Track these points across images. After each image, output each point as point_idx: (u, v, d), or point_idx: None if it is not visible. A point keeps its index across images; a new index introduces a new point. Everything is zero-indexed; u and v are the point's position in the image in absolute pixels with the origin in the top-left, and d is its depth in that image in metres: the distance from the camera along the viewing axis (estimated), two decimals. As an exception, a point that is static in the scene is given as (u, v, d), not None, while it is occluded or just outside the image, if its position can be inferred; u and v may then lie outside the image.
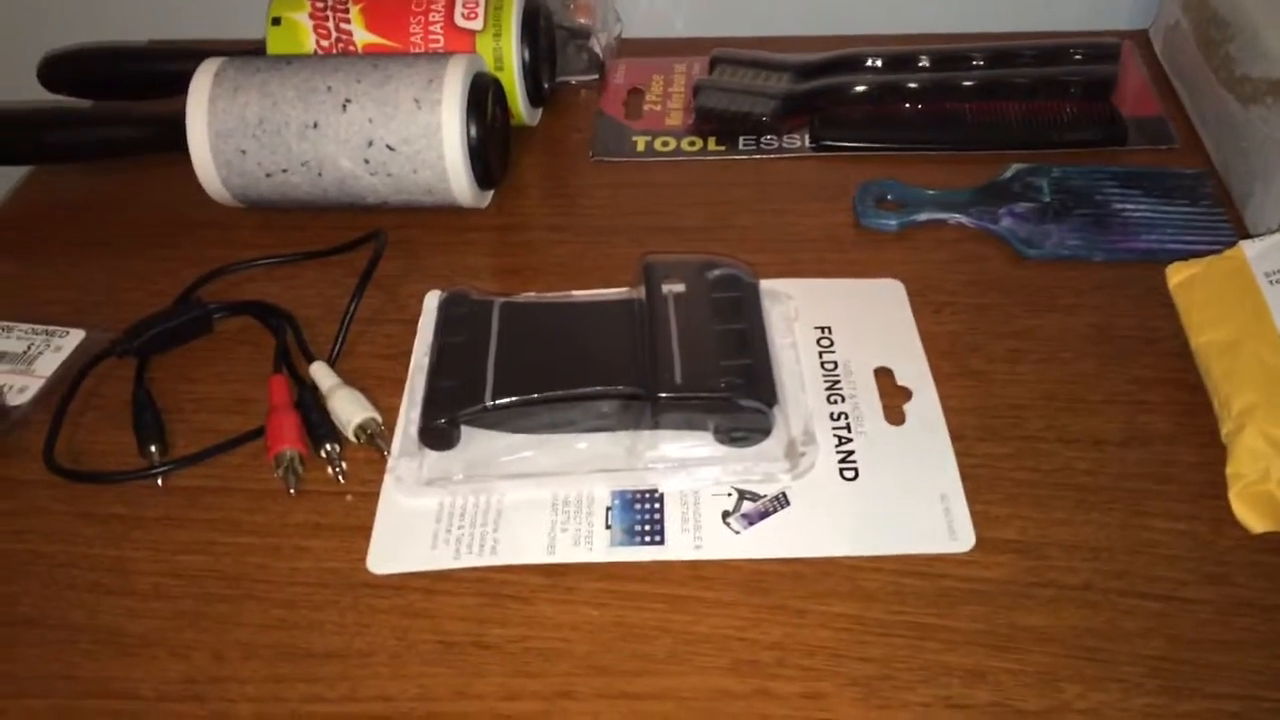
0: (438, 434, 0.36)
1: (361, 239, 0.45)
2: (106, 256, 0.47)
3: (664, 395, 0.35)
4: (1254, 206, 0.43)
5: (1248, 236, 0.43)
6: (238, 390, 0.41)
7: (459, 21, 0.49)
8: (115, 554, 0.35)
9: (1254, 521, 0.33)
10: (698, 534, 0.34)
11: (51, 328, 0.42)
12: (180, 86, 0.51)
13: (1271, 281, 0.36)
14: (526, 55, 0.50)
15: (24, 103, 0.51)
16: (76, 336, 0.42)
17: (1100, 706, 0.29)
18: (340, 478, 0.37)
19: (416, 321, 0.43)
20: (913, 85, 0.52)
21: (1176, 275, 0.39)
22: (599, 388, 0.36)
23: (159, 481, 0.37)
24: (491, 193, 0.49)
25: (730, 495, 0.35)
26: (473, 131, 0.45)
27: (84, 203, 0.51)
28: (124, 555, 0.35)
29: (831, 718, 0.29)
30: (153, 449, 0.38)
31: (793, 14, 0.61)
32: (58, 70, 0.54)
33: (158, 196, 0.51)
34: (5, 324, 0.43)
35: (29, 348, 0.42)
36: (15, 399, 0.40)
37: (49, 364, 0.41)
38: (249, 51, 0.49)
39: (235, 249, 0.47)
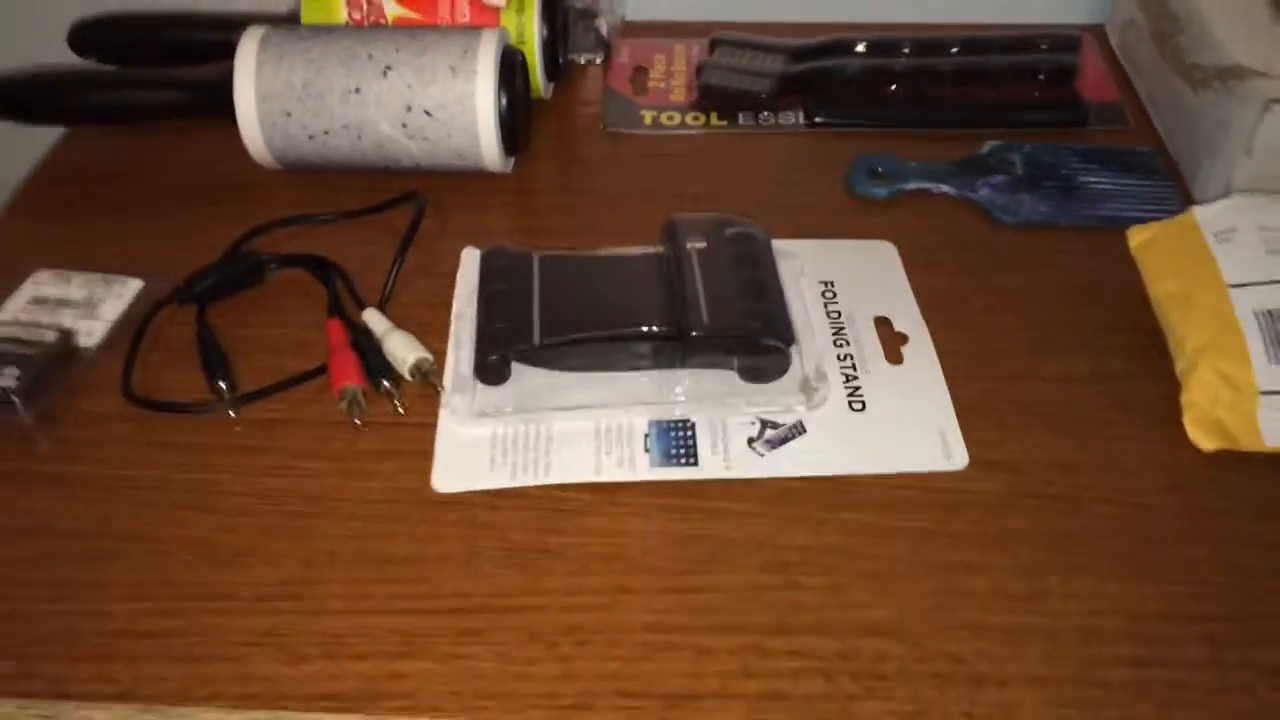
0: (492, 369, 0.40)
1: (400, 198, 0.49)
2: (149, 215, 0.50)
3: (695, 334, 0.40)
4: (1201, 179, 0.49)
5: (1192, 205, 0.48)
6: (293, 334, 0.44)
7: (484, -1, 0.53)
8: (199, 477, 0.38)
9: (1205, 441, 0.38)
10: (727, 456, 0.39)
11: (110, 275, 0.45)
12: (207, 55, 0.54)
13: (1219, 240, 0.41)
14: (545, 32, 0.54)
15: (61, 66, 0.54)
16: (135, 285, 0.45)
17: (1077, 592, 0.34)
18: (400, 408, 0.40)
19: (452, 274, 0.46)
20: (897, 69, 0.57)
21: (1137, 236, 0.44)
22: (636, 328, 0.40)
23: (232, 413, 0.40)
24: (514, 159, 0.53)
25: (754, 424, 0.40)
26: (503, 100, 0.49)
27: (119, 165, 0.54)
28: (208, 479, 0.38)
29: (850, 602, 0.34)
30: (221, 384, 0.41)
31: (781, 2, 0.66)
32: (89, 35, 0.57)
33: (192, 159, 0.54)
34: (64, 272, 0.45)
35: (90, 294, 0.45)
36: (85, 341, 0.42)
37: (113, 310, 0.44)
38: (282, 20, 0.52)
39: (274, 208, 0.50)
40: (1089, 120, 0.55)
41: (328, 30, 0.49)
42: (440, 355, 0.43)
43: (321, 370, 0.42)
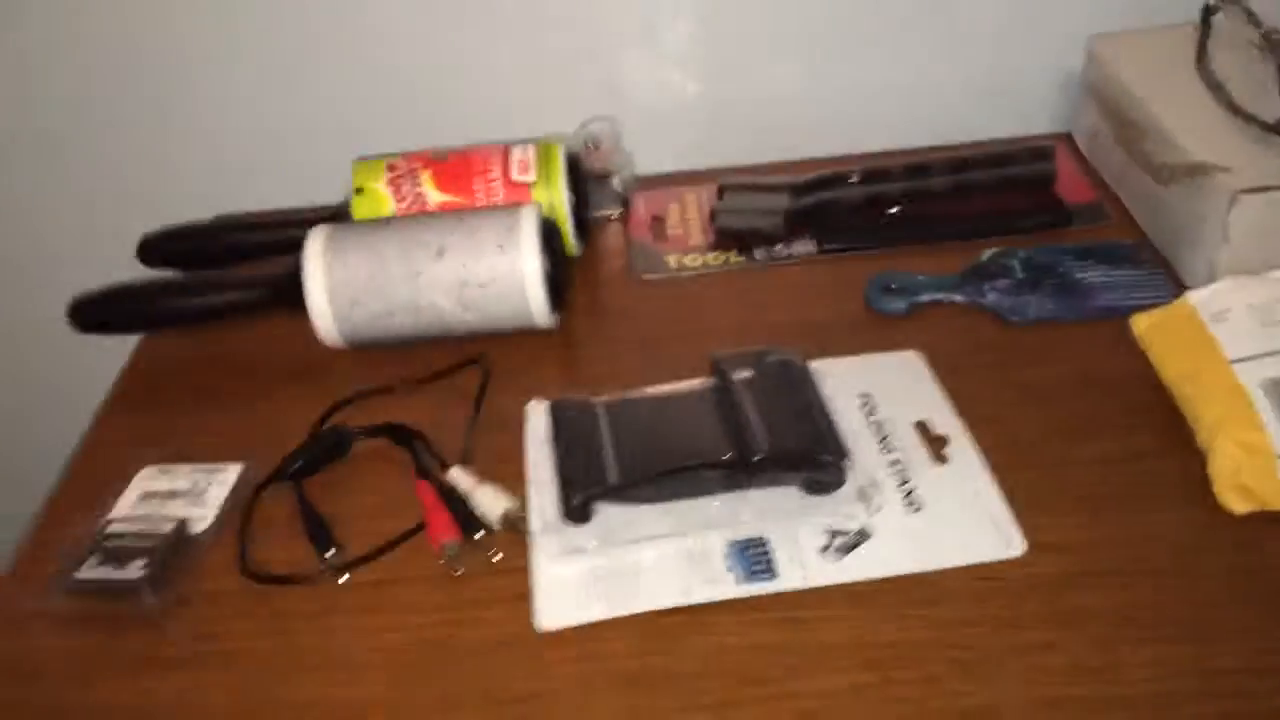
0: (578, 510, 0.44)
1: (464, 362, 0.53)
2: (235, 402, 0.55)
3: (757, 458, 0.43)
4: (1186, 265, 0.54)
5: (1184, 288, 0.53)
6: (384, 499, 0.48)
7: (515, 177, 0.59)
8: (321, 642, 0.41)
9: (1237, 505, 0.42)
10: (803, 566, 0.42)
11: (211, 465, 0.49)
12: (267, 253, 0.59)
13: (1215, 321, 0.46)
14: (572, 198, 0.60)
15: (136, 279, 0.59)
16: (235, 470, 0.49)
17: (1148, 659, 0.37)
18: (497, 556, 0.44)
19: (516, 428, 0.50)
20: (892, 193, 0.62)
21: (1140, 324, 0.49)
22: (703, 459, 0.44)
23: (342, 580, 0.44)
24: (556, 315, 0.58)
25: (822, 534, 0.43)
26: (546, 265, 0.54)
27: (196, 361, 0.58)
28: (329, 643, 0.41)
29: (947, 690, 0.37)
30: (329, 554, 0.44)
31: (774, 144, 0.72)
32: (156, 247, 0.62)
33: (261, 348, 0.58)
34: (168, 466, 0.49)
35: (195, 484, 0.48)
36: (198, 527, 0.46)
37: (218, 494, 0.48)
38: (331, 218, 0.58)
39: (346, 383, 0.54)
40: (1072, 220, 0.61)
41: (384, 223, 0.55)
42: (522, 503, 0.46)
43: (418, 530, 0.45)
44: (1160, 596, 0.39)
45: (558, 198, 0.59)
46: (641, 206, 0.67)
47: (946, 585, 0.41)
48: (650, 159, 0.71)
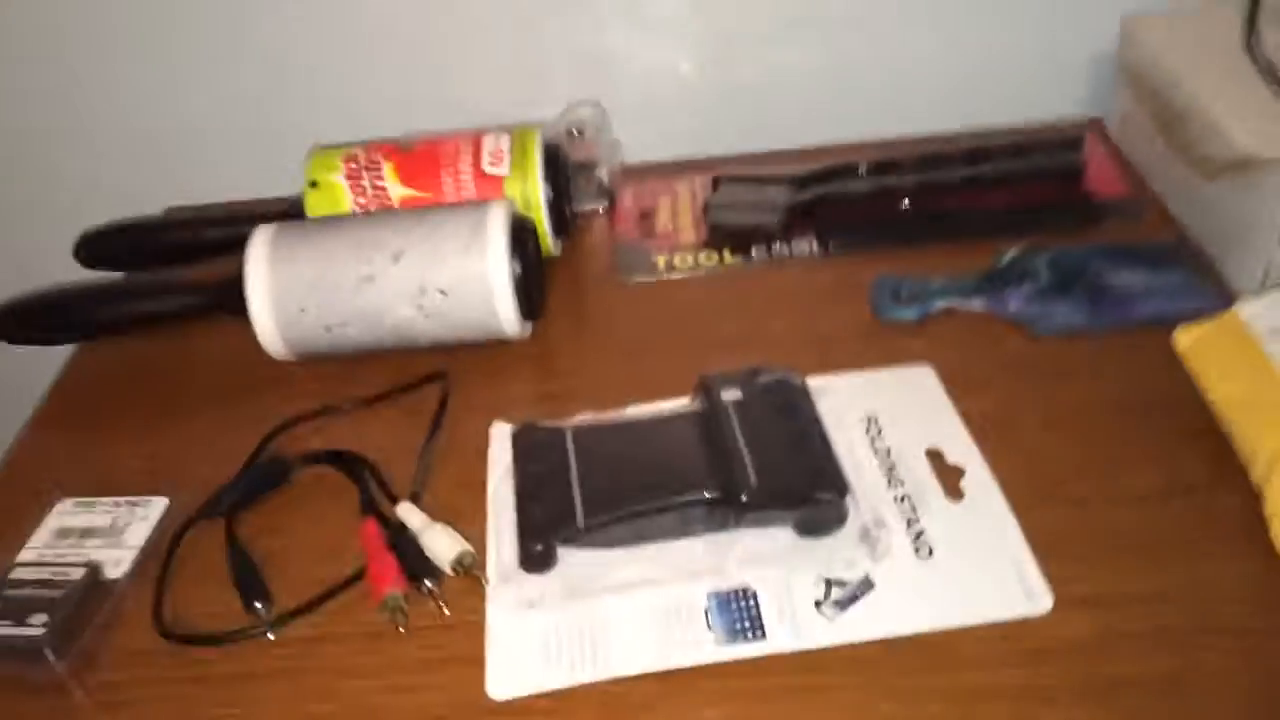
0: (538, 559, 0.38)
1: (424, 379, 0.48)
2: (169, 421, 0.49)
3: (744, 498, 0.38)
4: (1233, 268, 0.48)
5: (1229, 294, 0.47)
6: (326, 537, 0.42)
7: (486, 169, 0.53)
8: (243, 712, 0.36)
9: (1299, 554, 0.36)
10: (795, 625, 0.36)
11: (134, 498, 0.44)
12: (218, 251, 0.54)
13: (1272, 337, 0.40)
14: (550, 192, 0.54)
15: (70, 284, 0.53)
16: (160, 504, 0.44)
17: (1200, 742, 0.32)
18: (444, 610, 0.38)
19: (481, 452, 0.45)
20: (903, 186, 0.56)
21: (1184, 340, 0.43)
22: (682, 497, 0.38)
23: (270, 636, 0.38)
24: (530, 324, 0.52)
25: (818, 584, 0.38)
26: (516, 269, 0.48)
27: (135, 372, 0.53)
28: (250, 713, 0.36)
29: (960, 783, 0.31)
30: (258, 605, 0.39)
31: (776, 130, 0.66)
32: (95, 247, 0.57)
33: (207, 359, 0.53)
34: (86, 500, 0.44)
35: (115, 520, 0.43)
36: (113, 572, 0.41)
37: (139, 534, 0.42)
38: (285, 214, 0.52)
39: (296, 400, 0.49)
40: (1104, 217, 0.55)
41: (336, 222, 0.49)
42: (480, 541, 0.41)
43: (360, 577, 0.40)
44: (1211, 663, 0.34)
45: (534, 192, 0.53)
46: (629, 200, 0.62)
47: (961, 647, 0.35)
48: (640, 147, 0.65)
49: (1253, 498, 0.38)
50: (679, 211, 0.60)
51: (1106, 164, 0.59)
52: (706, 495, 0.38)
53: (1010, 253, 0.52)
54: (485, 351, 0.51)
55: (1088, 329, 0.48)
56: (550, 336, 0.52)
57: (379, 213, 0.50)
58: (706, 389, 0.43)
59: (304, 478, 0.45)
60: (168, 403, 0.51)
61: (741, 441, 0.40)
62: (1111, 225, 0.54)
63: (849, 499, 0.39)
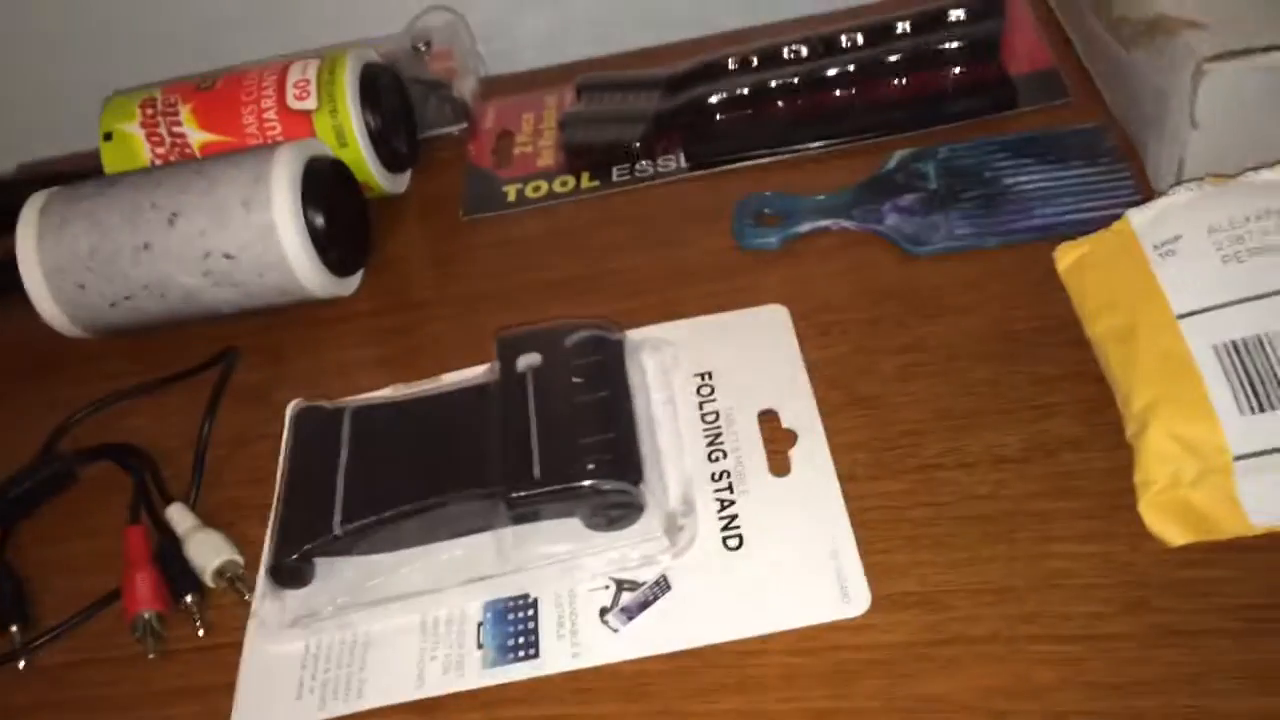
0: (288, 572, 0.33)
1: (212, 360, 0.43)
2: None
3: (515, 495, 0.32)
4: (1152, 159, 0.40)
5: (1150, 193, 0.39)
6: (104, 545, 0.38)
7: (291, 104, 0.46)
8: (-25, 758, 0.33)
9: (1171, 533, 0.30)
10: (574, 640, 0.31)
11: (-92, 508, 0.40)
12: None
13: (1161, 255, 0.33)
14: (373, 123, 0.48)
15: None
16: (-65, 513, 0.40)
17: (1015, 782, 0.26)
18: (201, 631, 0.34)
19: (278, 438, 0.40)
20: (782, 82, 0.48)
21: (1065, 258, 0.35)
22: (448, 495, 0.33)
23: (20, 664, 0.35)
24: (357, 277, 0.47)
25: (608, 588, 0.32)
26: (316, 222, 0.43)
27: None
28: (-16, 758, 0.33)
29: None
30: (13, 629, 0.36)
31: (664, 22, 0.58)
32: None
33: (1, 340, 0.48)
34: None
35: (-115, 535, 0.40)
36: None
37: (-94, 550, 0.39)
38: (80, 174, 0.47)
39: (102, 381, 0.44)
40: (1018, 99, 0.46)
41: (111, 183, 0.44)
42: (257, 547, 0.36)
43: (118, 594, 0.36)
44: (1051, 678, 0.28)
45: (347, 126, 0.46)
46: (491, 119, 0.55)
47: (752, 664, 0.30)
48: (507, 55, 0.58)
49: (1129, 459, 0.31)
50: (541, 130, 0.53)
51: (1033, 32, 0.50)
52: (473, 491, 0.33)
53: (898, 155, 0.45)
54: (310, 313, 0.46)
55: (972, 246, 0.40)
56: (384, 289, 0.47)
57: (159, 169, 0.45)
58: (502, 354, 0.37)
59: (95, 473, 0.41)
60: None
61: (533, 421, 0.35)
62: (1029, 110, 0.46)
63: (650, 485, 0.33)
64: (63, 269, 0.43)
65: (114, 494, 0.40)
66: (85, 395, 0.44)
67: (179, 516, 0.37)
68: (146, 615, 0.34)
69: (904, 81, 0.48)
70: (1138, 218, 0.34)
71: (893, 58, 0.48)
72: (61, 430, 0.42)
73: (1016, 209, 0.41)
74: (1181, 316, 0.31)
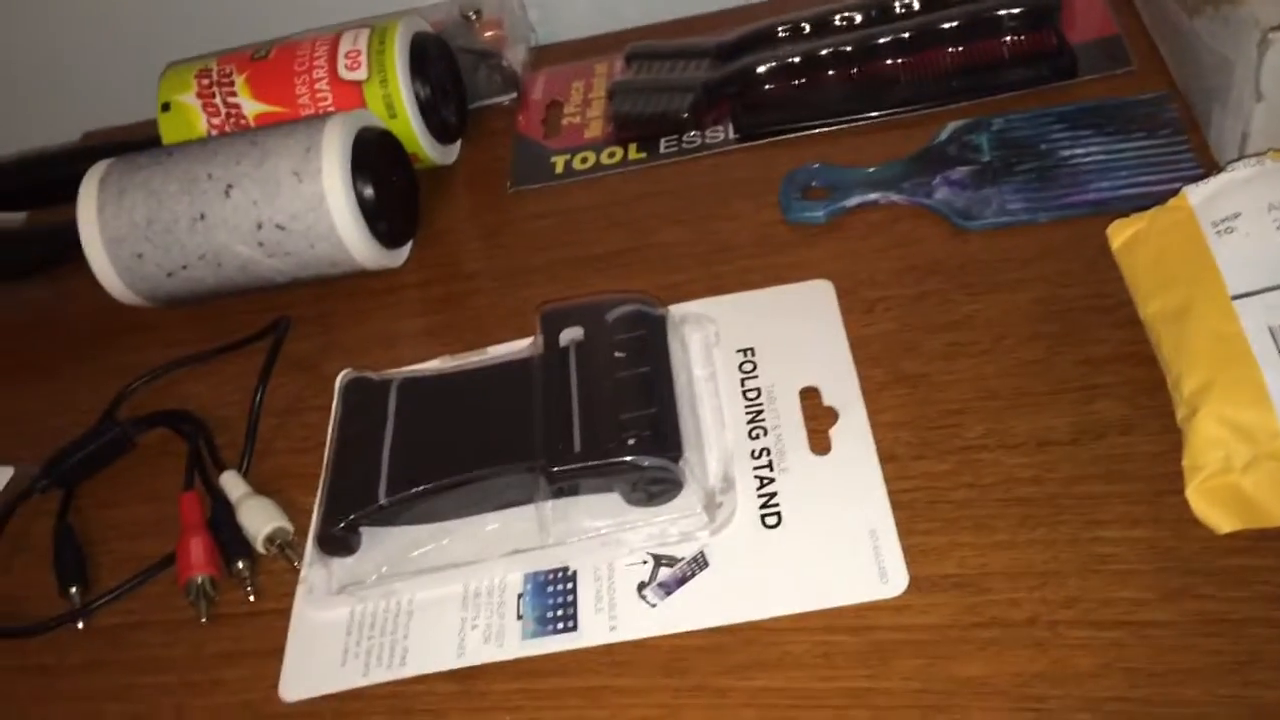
0: (336, 541, 0.34)
1: (264, 330, 0.44)
2: (26, 380, 0.47)
3: (555, 469, 0.33)
4: (1214, 132, 0.39)
5: (1211, 168, 0.38)
6: (161, 510, 0.39)
7: (342, 74, 0.47)
8: (42, 711, 0.34)
9: (1219, 520, 0.29)
10: (612, 613, 0.32)
11: (-22, 469, 0.42)
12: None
13: (1219, 232, 0.32)
14: (422, 94, 0.48)
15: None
16: (3, 474, 0.42)
17: (1050, 767, 0.26)
18: (251, 596, 0.35)
19: (328, 407, 0.41)
20: (833, 50, 0.47)
21: (1119, 235, 0.34)
22: (490, 468, 0.34)
23: (79, 625, 0.36)
24: (406, 249, 0.47)
25: (645, 563, 0.33)
26: (366, 193, 0.43)
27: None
28: (49, 712, 0.34)
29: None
30: (73, 590, 0.37)
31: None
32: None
33: (68, 309, 0.50)
34: (-70, 472, 0.42)
35: (-44, 494, 0.41)
36: (-56, 554, 0.39)
37: (-24, 509, 0.41)
38: (141, 144, 0.48)
39: (161, 349, 0.46)
40: (1078, 68, 0.45)
41: (168, 153, 0.45)
42: (307, 515, 0.37)
43: (173, 559, 0.37)
44: (1088, 665, 0.28)
45: (397, 97, 0.47)
46: (540, 89, 0.54)
47: (790, 643, 0.30)
48: (558, 23, 0.58)
49: (1178, 443, 0.31)
50: (590, 100, 0.53)
51: (1094, -2, 0.48)
52: (516, 465, 0.33)
53: (951, 126, 0.44)
54: (361, 284, 0.46)
55: (1024, 221, 0.39)
56: (433, 261, 0.47)
57: (214, 140, 0.45)
58: (546, 328, 0.37)
59: (151, 440, 0.43)
60: (23, 360, 0.48)
61: (574, 394, 0.35)
62: (1089, 79, 0.45)
63: (689, 460, 0.33)
64: (121, 239, 0.44)
65: (170, 460, 0.41)
66: (143, 363, 0.45)
67: (232, 483, 0.38)
68: (200, 579, 0.36)
69: (959, 49, 0.47)
70: (1196, 193, 0.33)
71: (948, 25, 0.47)
72: (120, 397, 0.44)
73: (1071, 182, 0.40)
74: (1237, 297, 0.30)
